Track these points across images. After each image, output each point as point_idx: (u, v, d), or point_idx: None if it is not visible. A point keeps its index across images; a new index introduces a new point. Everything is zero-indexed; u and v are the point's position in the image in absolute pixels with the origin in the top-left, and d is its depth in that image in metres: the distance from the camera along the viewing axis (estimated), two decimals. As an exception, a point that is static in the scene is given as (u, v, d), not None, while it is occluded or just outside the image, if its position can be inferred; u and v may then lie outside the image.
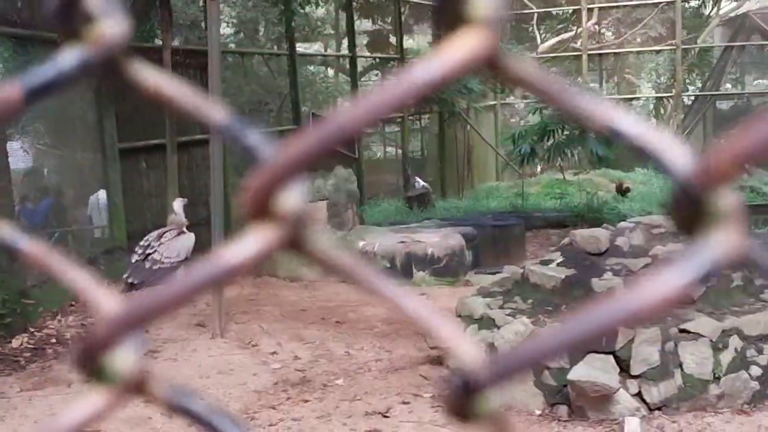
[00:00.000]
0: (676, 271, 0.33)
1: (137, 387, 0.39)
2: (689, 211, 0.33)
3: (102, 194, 10.10)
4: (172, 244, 8.69)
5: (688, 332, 5.61)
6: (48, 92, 0.38)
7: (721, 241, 0.33)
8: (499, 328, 5.74)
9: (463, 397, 0.34)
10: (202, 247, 9.26)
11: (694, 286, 0.34)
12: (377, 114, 0.35)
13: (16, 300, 7.10)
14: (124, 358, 0.39)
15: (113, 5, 0.37)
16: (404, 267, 9.10)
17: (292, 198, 0.37)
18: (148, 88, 0.39)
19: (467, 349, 0.36)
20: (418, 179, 14.70)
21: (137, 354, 0.39)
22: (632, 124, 0.36)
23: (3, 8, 8.05)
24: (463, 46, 0.34)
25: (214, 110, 0.40)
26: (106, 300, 0.42)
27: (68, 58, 0.38)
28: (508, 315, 5.82)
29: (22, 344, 6.78)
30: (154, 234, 8.81)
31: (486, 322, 5.92)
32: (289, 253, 0.38)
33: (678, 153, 0.34)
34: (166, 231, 8.84)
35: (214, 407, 0.40)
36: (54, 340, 7.10)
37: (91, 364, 0.39)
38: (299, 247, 0.38)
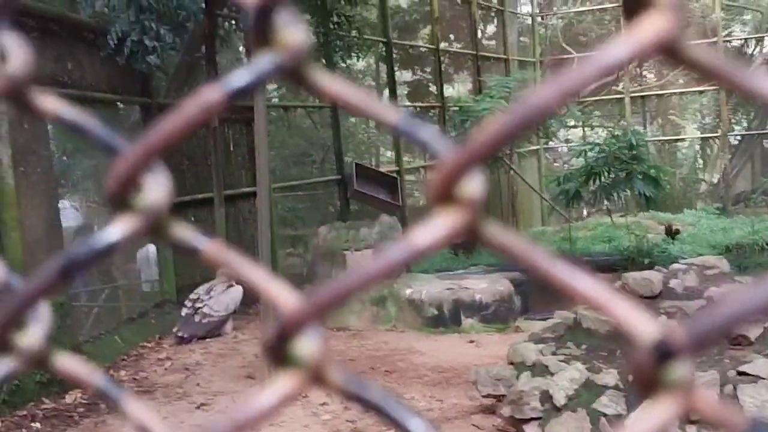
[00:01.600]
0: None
1: (318, 374, 0.41)
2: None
3: (151, 248, 10.25)
4: (221, 297, 8.76)
5: (747, 374, 5.45)
6: (245, 94, 0.42)
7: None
8: (553, 374, 5.63)
9: (652, 366, 0.36)
10: (250, 299, 9.31)
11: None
12: (567, 95, 0.36)
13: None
14: (307, 346, 0.41)
15: (296, 18, 0.41)
16: (452, 314, 9.03)
17: (474, 185, 0.39)
18: (328, 92, 0.42)
19: (644, 325, 0.37)
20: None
21: (319, 343, 0.41)
22: None
23: (53, 69, 8.30)
24: (647, 30, 0.36)
25: (387, 111, 0.42)
26: (285, 295, 0.44)
27: (264, 62, 0.41)
28: (562, 361, 5.72)
29: (75, 400, 6.84)
30: (204, 287, 8.90)
31: (539, 369, 5.82)
32: (470, 237, 0.40)
33: None
34: (215, 284, 8.92)
35: (388, 395, 0.42)
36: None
37: (278, 352, 0.41)
38: (478, 231, 0.40)
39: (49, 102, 0.46)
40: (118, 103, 10.31)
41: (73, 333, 7.47)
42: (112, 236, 0.45)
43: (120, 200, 0.44)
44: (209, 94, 0.41)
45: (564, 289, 0.40)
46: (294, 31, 0.40)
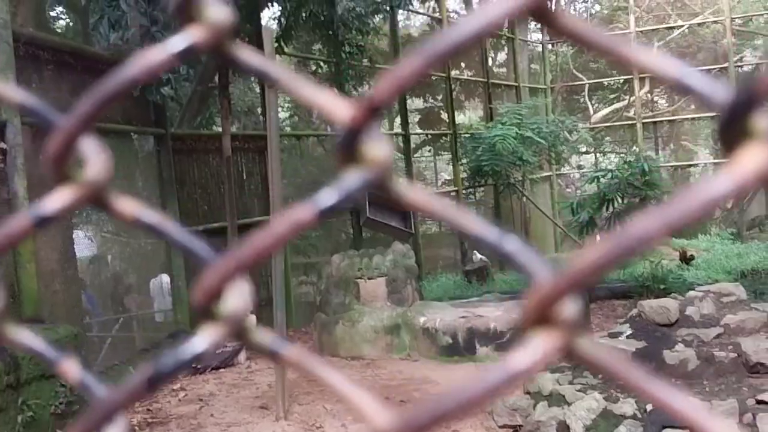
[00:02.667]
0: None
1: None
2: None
3: (165, 278, 10.26)
4: (235, 326, 8.74)
5: (766, 403, 5.39)
6: (335, 212, 0.43)
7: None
8: (570, 404, 5.58)
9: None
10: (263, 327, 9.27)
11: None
12: (669, 227, 0.36)
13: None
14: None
15: (381, 134, 0.42)
16: (467, 343, 8.97)
17: (571, 308, 0.39)
18: (413, 201, 0.43)
19: None
20: (476, 252, 14.62)
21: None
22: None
23: (69, 102, 8.36)
24: (749, 163, 0.36)
25: (475, 224, 0.42)
26: (375, 408, 0.44)
27: (352, 180, 0.42)
28: (579, 390, 5.66)
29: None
30: (217, 316, 8.88)
31: (556, 399, 5.77)
32: (567, 359, 0.40)
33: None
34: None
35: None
36: None
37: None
38: (576, 354, 0.40)
39: (128, 205, 0.48)
40: (132, 134, 10.38)
41: (87, 364, 7.46)
42: (199, 347, 0.46)
43: (206, 310, 0.45)
44: (300, 214, 0.42)
45: (661, 407, 0.40)
46: (381, 147, 0.41)
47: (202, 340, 0.45)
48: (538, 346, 0.39)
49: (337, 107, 0.43)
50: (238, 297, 0.44)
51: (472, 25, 0.39)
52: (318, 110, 0.44)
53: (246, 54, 0.45)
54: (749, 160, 0.36)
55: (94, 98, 0.45)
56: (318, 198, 0.42)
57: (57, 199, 0.47)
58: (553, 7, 0.39)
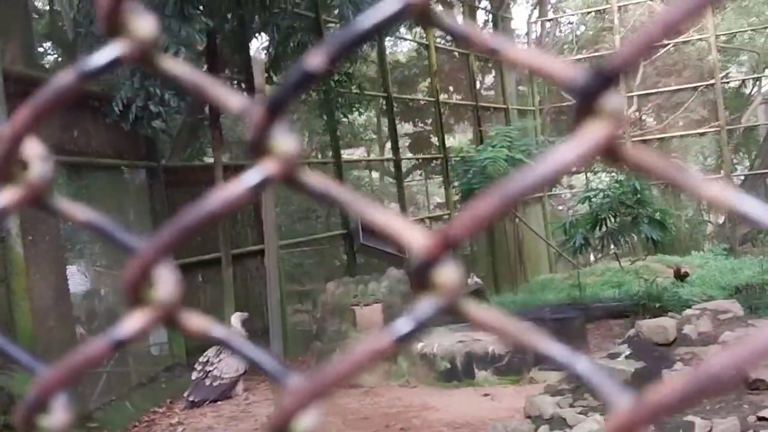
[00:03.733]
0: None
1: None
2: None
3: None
4: (230, 360, 8.69)
5: (767, 420, 5.37)
6: (410, 340, 0.44)
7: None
8: (571, 427, 5.56)
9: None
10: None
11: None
12: (743, 363, 0.37)
13: (81, 424, 7.11)
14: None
15: (453, 262, 0.44)
16: (465, 367, 8.94)
17: None
18: (482, 323, 0.44)
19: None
20: (473, 275, 14.60)
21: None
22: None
23: (60, 138, 8.37)
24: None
25: (559, 352, 0.44)
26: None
27: (426, 308, 0.44)
28: (580, 413, 5.64)
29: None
30: (212, 350, 8.84)
31: (557, 422, 5.74)
32: None
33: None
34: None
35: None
36: (118, 463, 7.05)
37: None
38: None
39: (198, 322, 0.50)
40: (123, 168, 10.37)
41: (83, 400, 7.40)
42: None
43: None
44: (379, 343, 0.44)
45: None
46: (452, 274, 0.43)
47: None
48: None
49: (413, 237, 0.44)
50: (311, 421, 0.45)
51: (546, 169, 0.41)
52: (394, 238, 0.46)
53: (316, 181, 0.48)
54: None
55: (174, 229, 0.48)
56: (395, 326, 0.44)
57: (133, 323, 0.48)
58: (621, 146, 0.41)
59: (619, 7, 19.92)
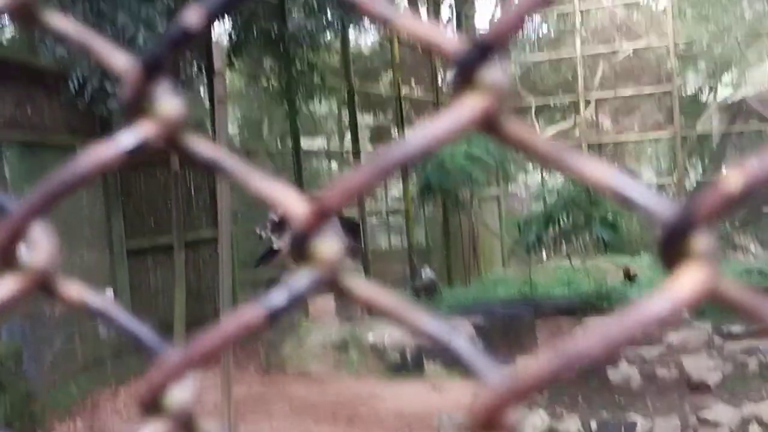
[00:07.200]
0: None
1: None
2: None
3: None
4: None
5: (708, 421, 5.51)
6: (286, 313, 0.43)
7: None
8: (514, 420, 5.63)
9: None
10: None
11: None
12: (605, 350, 0.37)
13: (24, 404, 7.01)
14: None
15: (334, 231, 0.42)
16: (415, 359, 9.00)
17: (515, 415, 0.40)
18: (361, 298, 0.43)
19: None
20: (426, 268, 14.68)
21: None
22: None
23: (13, 114, 8.22)
24: (689, 283, 0.37)
25: (421, 318, 0.43)
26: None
27: (303, 279, 0.42)
28: (524, 407, 5.72)
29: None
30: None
31: (501, 415, 5.81)
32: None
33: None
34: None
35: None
36: (61, 445, 6.97)
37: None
38: None
39: (74, 290, 0.48)
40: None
41: (27, 380, 7.30)
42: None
43: (151, 404, 0.45)
44: (249, 315, 0.42)
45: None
46: (332, 245, 0.42)
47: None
48: None
49: (290, 204, 0.43)
50: (184, 392, 0.44)
51: (420, 141, 0.41)
52: (270, 204, 0.44)
53: (199, 145, 0.45)
54: (688, 280, 0.37)
55: (44, 189, 0.45)
56: (268, 299, 0.42)
57: (3, 289, 0.46)
58: (501, 120, 0.40)
59: (582, 11, 20.15)
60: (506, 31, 0.40)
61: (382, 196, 19.98)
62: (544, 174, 19.86)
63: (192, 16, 0.43)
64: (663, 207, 0.38)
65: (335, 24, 12.39)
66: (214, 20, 0.43)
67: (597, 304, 11.37)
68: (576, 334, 0.37)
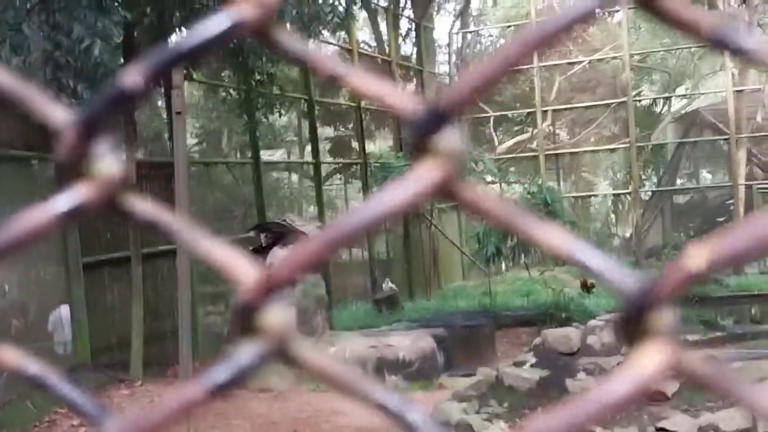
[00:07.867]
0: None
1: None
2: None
3: (65, 309, 9.91)
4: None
5: (666, 430, 5.58)
6: (227, 389, 0.41)
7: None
8: (476, 434, 5.65)
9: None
10: (167, 360, 9.08)
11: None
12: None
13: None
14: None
15: (283, 301, 0.40)
16: (376, 373, 8.98)
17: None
18: (312, 368, 0.41)
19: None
20: (388, 281, 14.69)
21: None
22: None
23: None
24: (650, 363, 0.36)
25: (373, 389, 0.41)
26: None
27: (248, 354, 0.41)
28: (486, 420, 5.75)
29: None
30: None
31: (463, 428, 5.82)
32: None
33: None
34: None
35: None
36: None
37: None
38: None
39: (10, 355, 0.47)
40: (33, 161, 10.05)
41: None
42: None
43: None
44: (190, 393, 0.40)
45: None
46: (280, 315, 0.40)
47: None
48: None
49: (239, 272, 0.41)
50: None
51: (376, 209, 0.39)
52: (219, 269, 0.42)
53: (141, 207, 0.43)
54: (650, 359, 0.36)
55: None
56: (210, 375, 0.40)
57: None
58: (457, 187, 0.39)
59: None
60: (463, 100, 0.39)
61: (343, 207, 19.96)
62: (502, 185, 20.01)
63: (131, 77, 0.40)
64: (625, 282, 0.37)
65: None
66: (155, 80, 0.41)
67: (555, 314, 11.47)
68: (539, 416, 0.36)
